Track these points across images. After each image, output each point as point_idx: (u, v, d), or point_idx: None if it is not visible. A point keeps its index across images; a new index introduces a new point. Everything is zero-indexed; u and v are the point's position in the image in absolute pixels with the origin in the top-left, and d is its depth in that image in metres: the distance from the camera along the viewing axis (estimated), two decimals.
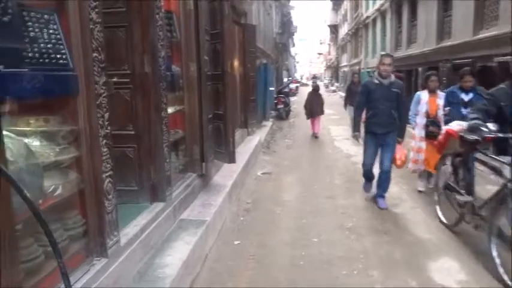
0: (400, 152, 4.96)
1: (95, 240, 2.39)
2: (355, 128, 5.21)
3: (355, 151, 8.58)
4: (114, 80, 3.32)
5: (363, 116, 5.09)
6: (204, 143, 4.47)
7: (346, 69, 33.84)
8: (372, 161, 5.04)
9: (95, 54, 2.29)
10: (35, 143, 2.09)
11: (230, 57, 5.02)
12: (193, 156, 4.49)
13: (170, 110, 4.10)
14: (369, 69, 19.74)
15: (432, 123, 5.15)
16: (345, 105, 10.71)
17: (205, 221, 3.75)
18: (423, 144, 5.32)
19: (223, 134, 5.04)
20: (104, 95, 2.38)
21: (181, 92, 4.40)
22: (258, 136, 9.11)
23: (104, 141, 2.38)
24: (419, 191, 5.50)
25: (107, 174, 2.42)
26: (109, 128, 2.44)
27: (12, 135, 1.87)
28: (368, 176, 5.22)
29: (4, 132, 1.77)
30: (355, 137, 5.29)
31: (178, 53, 4.32)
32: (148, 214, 3.21)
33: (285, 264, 3.52)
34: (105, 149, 2.39)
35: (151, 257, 2.99)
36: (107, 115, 2.41)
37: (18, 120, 2.07)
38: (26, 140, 2.04)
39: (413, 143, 5.54)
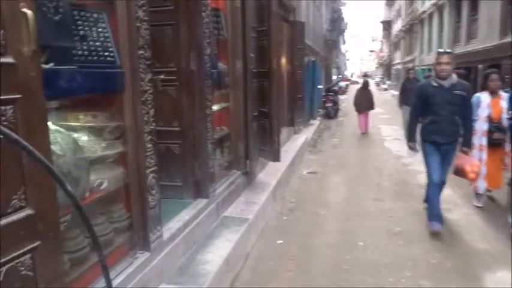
0: (470, 163, 4.09)
1: (138, 234, 2.44)
2: (410, 136, 4.36)
3: (406, 152, 8.23)
4: (162, 77, 3.38)
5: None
6: (249, 140, 4.46)
7: (399, 66, 32.60)
8: (442, 177, 4.11)
9: (141, 52, 2.33)
10: (83, 137, 2.16)
11: (277, 55, 4.97)
12: (237, 153, 4.49)
13: (215, 107, 4.14)
14: (424, 67, 18.86)
15: (497, 129, 4.50)
16: (400, 103, 10.10)
17: (248, 219, 3.74)
18: (484, 155, 4.58)
19: (269, 132, 5.00)
20: (150, 91, 2.41)
21: (227, 89, 4.42)
22: (305, 135, 8.99)
23: (149, 137, 2.42)
24: (477, 206, 4.83)
25: (151, 169, 2.45)
26: (154, 124, 2.48)
27: (62, 129, 1.94)
28: (434, 203, 4.09)
29: (54, 127, 1.85)
30: (411, 148, 4.38)
31: (224, 51, 4.33)
32: (191, 210, 3.25)
33: (328, 268, 3.42)
34: (150, 145, 2.43)
35: (193, 253, 3.01)
36: (152, 111, 2.45)
37: (68, 115, 2.15)
38: (75, 135, 2.12)
39: (472, 154, 4.46)
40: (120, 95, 2.30)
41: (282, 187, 5.48)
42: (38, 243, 1.36)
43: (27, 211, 1.32)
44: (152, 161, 2.47)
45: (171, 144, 3.49)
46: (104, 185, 2.19)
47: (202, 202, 3.45)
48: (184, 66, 3.35)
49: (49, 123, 1.85)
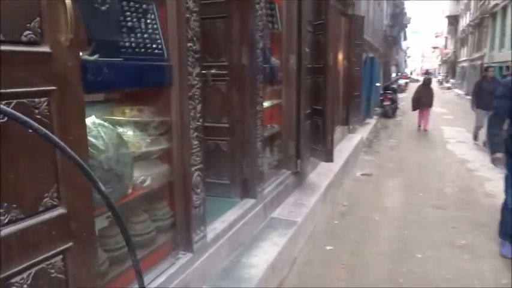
0: None
1: (181, 234, 2.36)
2: (495, 146, 3.39)
3: (472, 157, 7.60)
4: (213, 71, 3.29)
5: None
6: (300, 139, 4.27)
7: (465, 64, 30.55)
8: None
9: (189, 44, 2.23)
10: (128, 132, 2.10)
11: (333, 50, 4.73)
12: (288, 152, 4.32)
13: (266, 103, 3.99)
14: (494, 64, 17.45)
15: None
16: (473, 106, 8.90)
17: (296, 222, 3.56)
18: None
19: (322, 131, 4.77)
20: (197, 86, 2.31)
21: (279, 85, 4.25)
22: (360, 134, 8.60)
23: (195, 133, 2.32)
24: None
25: (196, 167, 2.36)
26: (201, 120, 2.38)
27: (106, 124, 1.88)
28: (508, 220, 3.49)
29: (97, 121, 1.79)
30: (496, 161, 3.41)
31: (278, 45, 4.16)
32: (238, 210, 3.13)
33: (382, 279, 3.16)
34: (196, 142, 2.33)
35: (238, 255, 2.89)
36: (199, 107, 2.34)
37: (114, 109, 2.10)
38: (120, 130, 2.07)
39: None
40: (167, 89, 2.21)
41: (334, 189, 5.23)
42: (70, 244, 1.29)
43: (60, 210, 1.25)
44: (198, 158, 2.37)
45: (219, 140, 3.40)
46: (147, 182, 2.12)
47: (249, 202, 3.32)
48: (235, 60, 3.23)
49: (93, 117, 1.80)
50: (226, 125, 3.35)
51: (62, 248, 1.26)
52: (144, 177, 2.10)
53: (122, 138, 1.95)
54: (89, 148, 1.72)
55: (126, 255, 1.97)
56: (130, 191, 2.03)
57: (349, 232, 4.10)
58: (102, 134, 1.82)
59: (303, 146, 4.31)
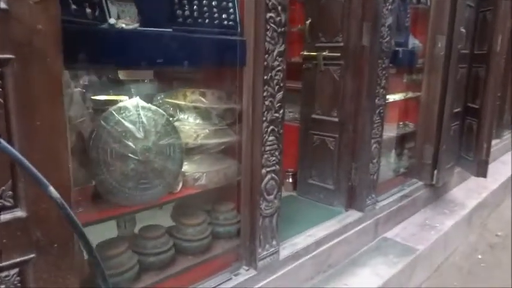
0: None
1: (245, 246, 1.96)
2: None
3: None
4: (325, 54, 2.74)
5: None
6: (441, 143, 3.36)
7: None
8: None
9: (270, 15, 1.76)
10: (189, 119, 1.79)
11: (505, 32, 3.57)
12: (422, 158, 3.47)
13: (396, 96, 3.24)
14: None
15: None
16: None
17: (417, 249, 2.78)
18: None
19: (475, 136, 3.71)
20: (279, 69, 1.84)
21: (420, 74, 3.41)
22: None
23: (271, 127, 1.86)
24: None
25: (270, 169, 1.91)
26: (281, 112, 1.90)
27: (153, 107, 1.59)
28: None
29: (141, 103, 1.50)
30: None
31: (423, 23, 3.32)
32: (335, 223, 2.57)
33: None
34: (271, 138, 1.88)
35: (323, 280, 2.36)
36: (279, 95, 1.87)
37: (172, 90, 1.81)
38: (180, 116, 1.76)
39: None
40: (239, 70, 1.81)
41: (486, 211, 4.08)
42: (31, 255, 1.02)
43: (16, 213, 0.99)
44: (273, 158, 1.91)
45: (326, 137, 2.85)
46: (203, 180, 1.77)
47: (354, 215, 2.71)
48: (353, 40, 2.61)
49: (136, 99, 1.53)
50: (336, 119, 2.78)
51: (17, 260, 1.00)
52: (200, 173, 1.76)
53: (171, 126, 1.64)
54: (123, 135, 1.46)
55: (166, 261, 1.69)
56: (179, 188, 1.71)
57: (494, 273, 3.07)
58: (144, 119, 1.53)
59: (444, 152, 3.39)
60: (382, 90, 2.64)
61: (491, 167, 5.03)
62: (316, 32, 2.80)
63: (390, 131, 3.32)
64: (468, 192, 4.04)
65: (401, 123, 3.62)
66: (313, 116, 2.90)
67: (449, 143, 3.45)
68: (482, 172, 3.68)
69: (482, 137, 3.61)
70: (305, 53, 2.85)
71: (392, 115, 3.37)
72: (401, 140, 3.54)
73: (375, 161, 2.73)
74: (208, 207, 1.98)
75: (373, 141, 2.67)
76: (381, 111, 2.68)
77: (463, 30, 3.25)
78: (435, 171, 3.44)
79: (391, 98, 3.19)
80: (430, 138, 3.42)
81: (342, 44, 2.67)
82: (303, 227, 2.49)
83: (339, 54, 2.68)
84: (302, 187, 3.06)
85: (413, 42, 3.31)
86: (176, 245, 1.77)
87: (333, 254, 2.46)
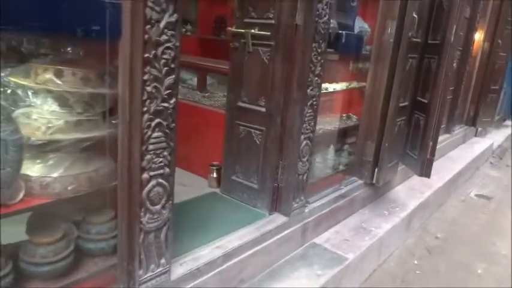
0: None
1: (122, 267, 1.56)
2: None
3: None
4: (254, 31, 2.33)
5: None
6: (384, 140, 3.08)
7: None
8: None
9: None
10: (45, 107, 1.34)
11: (460, 21, 3.30)
12: (363, 155, 3.18)
13: (340, 86, 2.90)
14: None
15: None
16: None
17: (346, 258, 2.50)
18: None
19: (421, 133, 3.45)
20: (168, 45, 1.41)
21: (366, 63, 3.08)
22: (491, 140, 6.70)
23: (156, 120, 1.45)
24: None
25: (155, 173, 1.50)
26: (172, 102, 1.49)
27: None
28: None
29: None
30: None
31: (372, 5, 2.97)
32: (253, 231, 2.22)
33: None
34: (157, 134, 1.47)
35: None
36: (169, 80, 1.45)
37: (21, 65, 1.34)
38: (32, 100, 1.31)
39: None
40: (112, 44, 1.36)
41: (428, 212, 3.90)
42: None
43: None
44: (160, 159, 1.50)
45: (253, 129, 2.47)
46: (54, 188, 1.34)
47: (277, 220, 2.38)
48: (285, 17, 2.21)
49: None
50: (263, 110, 2.40)
51: None
52: (50, 179, 1.33)
53: (6, 114, 1.19)
54: None
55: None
56: (18, 198, 1.28)
57: (431, 282, 2.87)
58: None
59: (387, 150, 3.11)
60: (316, 78, 2.27)
61: (439, 163, 4.89)
62: (246, 4, 2.38)
63: (330, 124, 3.00)
64: (411, 191, 3.84)
65: (344, 115, 3.31)
66: (240, 103, 2.51)
67: (393, 139, 3.18)
68: (425, 172, 3.44)
69: (428, 134, 3.36)
70: (233, 30, 2.43)
71: (335, 106, 3.04)
72: (343, 135, 3.24)
73: (304, 159, 2.38)
74: (79, 217, 1.56)
75: (303, 137, 2.32)
76: (314, 103, 2.32)
77: (415, 15, 2.93)
78: (376, 170, 3.17)
79: (333, 87, 2.86)
80: (372, 134, 3.13)
81: (273, 21, 2.26)
82: (215, 234, 2.13)
83: (269, 33, 2.28)
84: (226, 184, 2.69)
85: (362, 25, 2.98)
86: (22, 270, 1.34)
87: (248, 267, 2.12)
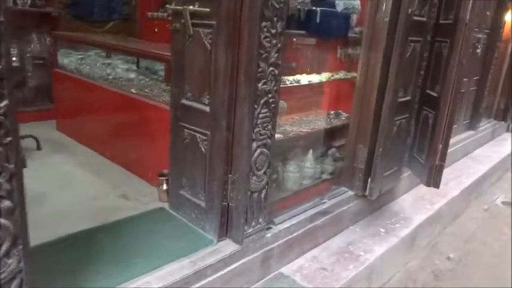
0: None
1: None
2: None
3: None
4: (192, 8, 1.81)
5: None
6: (378, 144, 2.50)
7: None
8: None
9: None
10: None
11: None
12: (353, 161, 2.62)
13: (319, 77, 2.35)
14: None
15: None
16: None
17: None
18: None
19: (429, 134, 2.85)
20: None
21: (357, 48, 2.51)
22: None
23: None
24: None
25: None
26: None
27: None
28: None
29: None
30: None
31: None
32: (187, 266, 1.73)
33: None
34: None
35: None
36: None
37: None
38: None
39: None
40: None
41: (439, 227, 3.29)
42: None
43: None
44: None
45: (197, 133, 1.96)
46: None
47: (226, 248, 1.88)
48: None
49: None
50: (207, 109, 1.88)
51: None
52: None
53: None
54: None
55: None
56: None
57: None
58: None
59: (382, 156, 2.53)
60: (271, 69, 1.74)
61: (459, 165, 4.24)
62: None
63: (308, 125, 2.45)
64: (419, 201, 3.23)
65: (332, 112, 2.75)
66: (183, 101, 2.00)
67: (391, 142, 2.59)
68: (434, 181, 2.83)
69: (437, 135, 2.74)
70: (171, 7, 1.91)
71: (314, 102, 2.49)
72: (328, 136, 2.68)
73: (260, 172, 1.86)
74: None
75: (255, 144, 1.79)
76: (271, 100, 1.79)
77: None
78: (369, 180, 2.60)
79: (309, 79, 2.30)
80: (364, 136, 2.55)
81: None
82: (143, 268, 1.66)
83: (208, 10, 1.75)
84: (173, 199, 2.20)
85: (349, 2, 2.39)
86: None
87: None
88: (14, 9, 3.56)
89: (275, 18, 1.68)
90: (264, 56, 1.69)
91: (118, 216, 2.11)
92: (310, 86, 2.37)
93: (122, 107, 2.74)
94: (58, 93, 3.42)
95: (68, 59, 3.49)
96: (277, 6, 1.67)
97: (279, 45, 1.74)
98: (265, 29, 1.65)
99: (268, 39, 1.68)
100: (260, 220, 1.96)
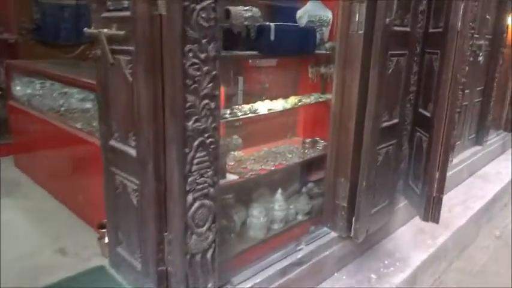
0: None
1: None
2: None
3: None
4: (108, 31, 1.48)
5: None
6: (361, 177, 2.12)
7: None
8: None
9: None
10: None
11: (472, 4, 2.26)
12: (334, 197, 2.24)
13: (282, 104, 2.01)
14: None
15: None
16: None
17: None
18: None
19: (424, 159, 2.45)
20: None
21: (329, 66, 2.15)
22: None
23: None
24: None
25: None
26: None
27: None
28: None
29: None
30: None
31: None
32: None
33: None
34: None
35: None
36: None
37: None
38: None
39: None
40: None
41: (444, 264, 2.86)
42: None
43: None
44: None
45: (128, 181, 1.61)
46: None
47: None
48: (143, 6, 1.33)
49: None
50: (134, 152, 1.53)
51: None
52: None
53: None
54: None
55: None
56: None
57: None
58: None
59: (367, 190, 2.14)
60: (205, 102, 1.39)
61: (466, 186, 3.83)
62: None
63: (281, 156, 2.09)
64: (419, 235, 2.82)
65: (308, 140, 2.38)
66: (111, 142, 1.66)
67: (377, 174, 2.21)
68: (432, 215, 2.43)
69: (432, 163, 2.35)
70: (88, 30, 1.59)
71: (294, 128, 2.14)
72: (305, 169, 2.30)
73: (202, 229, 1.50)
74: None
75: (192, 196, 1.44)
76: (208, 141, 1.43)
77: None
78: (353, 220, 2.21)
79: (269, 107, 1.95)
80: (345, 169, 2.18)
81: (128, 13, 1.40)
82: None
83: (123, 33, 1.42)
84: (113, 256, 1.84)
85: (316, 13, 2.04)
86: None
87: None
88: None
89: (204, 40, 1.33)
90: (192, 87, 1.34)
91: (48, 279, 1.76)
92: (281, 112, 2.01)
93: (67, 144, 2.43)
94: (14, 127, 3.13)
95: (26, 89, 3.19)
96: (206, 24, 1.33)
97: (213, 72, 1.39)
98: (190, 54, 1.31)
99: (196, 66, 1.33)
100: (209, 285, 1.59)
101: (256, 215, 1.96)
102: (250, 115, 1.83)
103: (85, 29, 1.59)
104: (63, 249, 2.08)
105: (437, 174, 2.36)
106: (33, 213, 2.48)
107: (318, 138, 2.40)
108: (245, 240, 1.97)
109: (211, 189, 1.50)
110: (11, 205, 2.59)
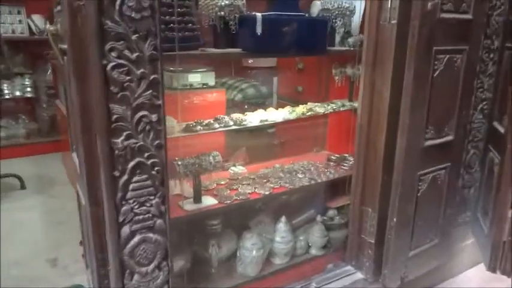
0: None
1: None
2: None
3: None
4: (54, 28, 1.28)
5: None
6: (392, 212, 1.64)
7: None
8: None
9: None
10: None
11: None
12: (360, 229, 1.78)
13: (283, 114, 1.64)
14: None
15: None
16: None
17: None
18: None
19: (495, 187, 1.85)
20: None
21: (356, 66, 1.71)
22: None
23: None
24: None
25: None
26: None
27: None
28: None
29: None
30: None
31: None
32: None
33: None
34: None
35: None
36: None
37: None
38: None
39: None
40: None
41: None
42: None
43: None
44: None
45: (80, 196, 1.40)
46: None
47: None
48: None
49: None
50: (78, 171, 1.31)
51: None
52: None
53: None
54: None
55: None
56: None
57: None
58: None
59: (398, 227, 1.66)
60: (141, 114, 1.10)
61: None
62: None
63: (276, 182, 1.70)
64: (492, 283, 2.18)
65: (334, 156, 1.94)
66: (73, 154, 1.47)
67: (420, 205, 1.70)
68: (501, 264, 1.82)
69: (503, 197, 1.75)
70: (49, 28, 1.40)
71: (319, 141, 1.75)
72: (327, 193, 1.88)
73: (146, 268, 1.22)
74: None
75: (129, 229, 1.17)
76: (150, 162, 1.15)
77: None
78: (384, 259, 1.73)
79: (266, 117, 1.57)
80: (372, 197, 1.71)
81: (60, 8, 1.18)
82: None
83: (57, 28, 1.20)
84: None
85: (335, 2, 1.61)
86: None
87: None
88: (29, 38, 3.49)
89: (134, 36, 1.04)
90: (119, 95, 1.06)
91: None
92: (305, 121, 1.63)
93: None
94: (61, 124, 3.21)
95: None
96: (136, 16, 1.03)
97: (152, 76, 1.09)
98: (113, 54, 1.03)
99: (123, 68, 1.05)
100: None
101: (248, 247, 1.61)
102: (233, 127, 1.49)
103: (47, 25, 1.41)
104: (56, 260, 1.98)
105: (510, 213, 1.75)
106: (53, 215, 2.46)
107: (347, 155, 1.95)
108: (231, 277, 1.64)
109: (159, 221, 1.21)
110: (35, 205, 2.61)
